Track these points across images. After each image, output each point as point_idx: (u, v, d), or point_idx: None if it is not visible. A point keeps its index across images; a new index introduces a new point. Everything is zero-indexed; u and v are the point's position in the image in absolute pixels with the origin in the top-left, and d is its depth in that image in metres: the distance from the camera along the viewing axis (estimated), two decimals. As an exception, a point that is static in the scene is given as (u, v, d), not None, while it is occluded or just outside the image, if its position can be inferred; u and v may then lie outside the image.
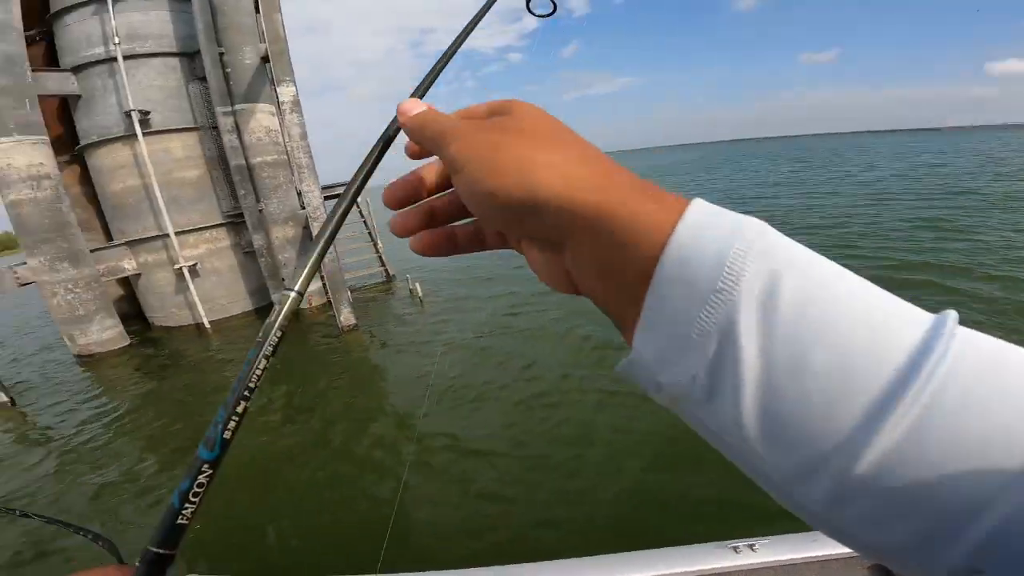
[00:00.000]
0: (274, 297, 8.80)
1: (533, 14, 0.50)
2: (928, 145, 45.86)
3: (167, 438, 4.99)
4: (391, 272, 11.22)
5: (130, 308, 9.89)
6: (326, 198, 13.32)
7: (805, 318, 0.18)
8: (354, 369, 6.19)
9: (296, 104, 7.03)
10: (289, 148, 7.23)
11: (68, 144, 8.87)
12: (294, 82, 7.03)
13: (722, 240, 0.19)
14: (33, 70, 7.52)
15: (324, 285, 7.55)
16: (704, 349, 0.19)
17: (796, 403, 0.18)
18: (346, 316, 7.34)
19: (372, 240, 11.83)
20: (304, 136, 7.05)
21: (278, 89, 6.99)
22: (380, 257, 11.47)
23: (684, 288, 0.20)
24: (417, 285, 8.79)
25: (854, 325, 0.18)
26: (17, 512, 0.93)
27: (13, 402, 6.46)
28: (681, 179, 32.27)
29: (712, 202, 0.21)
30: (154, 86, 8.34)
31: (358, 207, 12.47)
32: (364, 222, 12.09)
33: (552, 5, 0.52)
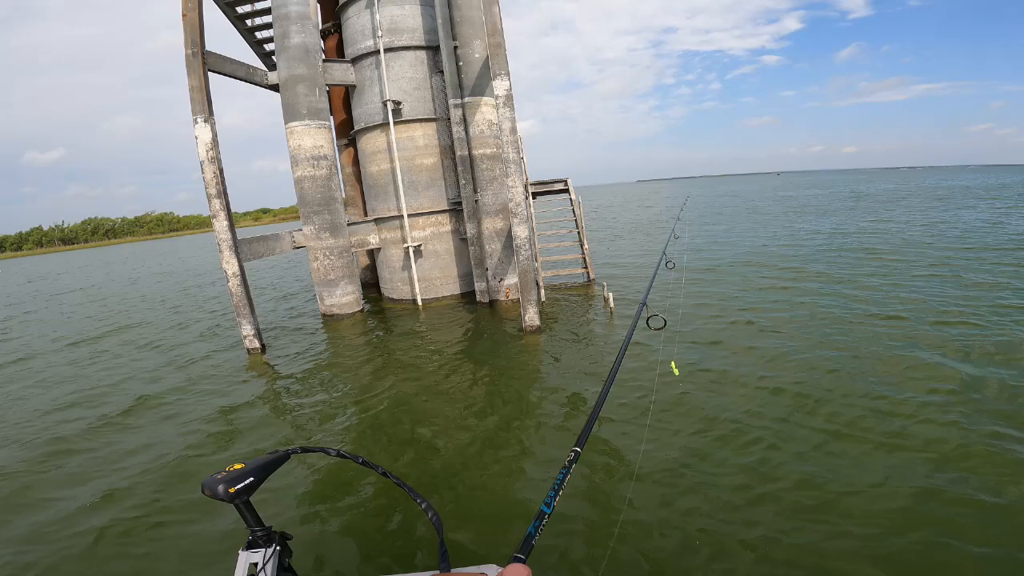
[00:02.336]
0: (477, 286, 9.23)
1: (650, 328, 1.63)
2: None
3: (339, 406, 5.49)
4: (592, 275, 10.80)
5: (372, 277, 11.63)
6: (541, 193, 13.64)
7: None
8: (526, 375, 5.91)
9: (509, 99, 7.01)
10: (499, 142, 7.28)
11: (347, 128, 10.75)
12: (508, 76, 7.01)
13: None
14: (323, 60, 9.16)
15: (487, 284, 7.54)
16: None
17: None
18: (531, 317, 7.15)
19: (579, 240, 11.59)
20: (514, 131, 7.00)
21: (493, 83, 7.05)
22: (584, 258, 11.14)
23: None
24: (610, 295, 8.14)
25: None
26: (380, 470, 1.27)
27: (263, 349, 7.91)
28: None
29: None
30: (406, 77, 9.32)
31: (572, 205, 12.34)
32: (575, 221, 11.92)
33: (663, 321, 1.78)
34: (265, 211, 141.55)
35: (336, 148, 11.58)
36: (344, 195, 11.76)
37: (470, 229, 8.97)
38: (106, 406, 6.06)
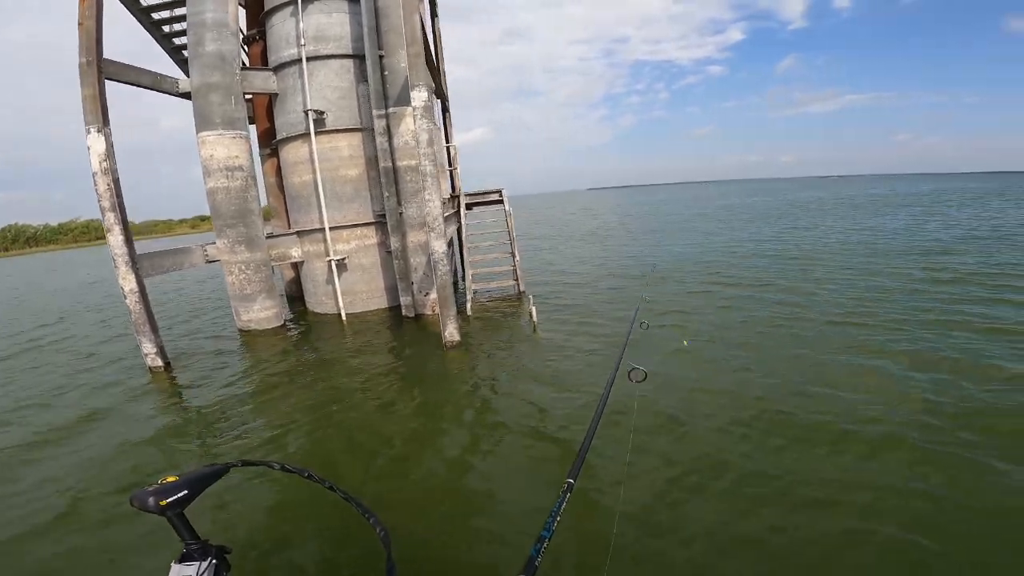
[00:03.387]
0: (403, 300, 9.11)
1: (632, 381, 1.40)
2: None
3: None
4: (522, 287, 10.89)
5: (299, 290, 11.26)
6: (476, 204, 13.66)
7: None
8: (441, 391, 5.86)
9: (427, 110, 6.99)
10: (416, 154, 7.25)
11: (271, 137, 10.40)
12: (427, 88, 7.00)
13: None
14: (242, 69, 8.81)
15: (412, 298, 7.49)
16: None
17: None
18: (451, 332, 7.12)
19: (511, 251, 11.68)
20: (431, 143, 6.98)
21: (411, 93, 7.00)
22: (515, 270, 11.23)
23: None
24: (534, 309, 8.23)
25: None
26: (326, 484, 1.21)
27: (168, 367, 7.42)
28: (967, 211, 25.63)
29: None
30: (330, 86, 9.13)
31: (506, 217, 12.43)
32: (508, 232, 12.03)
33: (644, 374, 1.47)
34: (203, 218, 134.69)
35: (259, 158, 11.19)
36: (268, 206, 11.38)
37: (394, 242, 8.85)
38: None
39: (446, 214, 10.81)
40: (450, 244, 13.08)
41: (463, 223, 11.08)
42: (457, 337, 7.17)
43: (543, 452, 4.24)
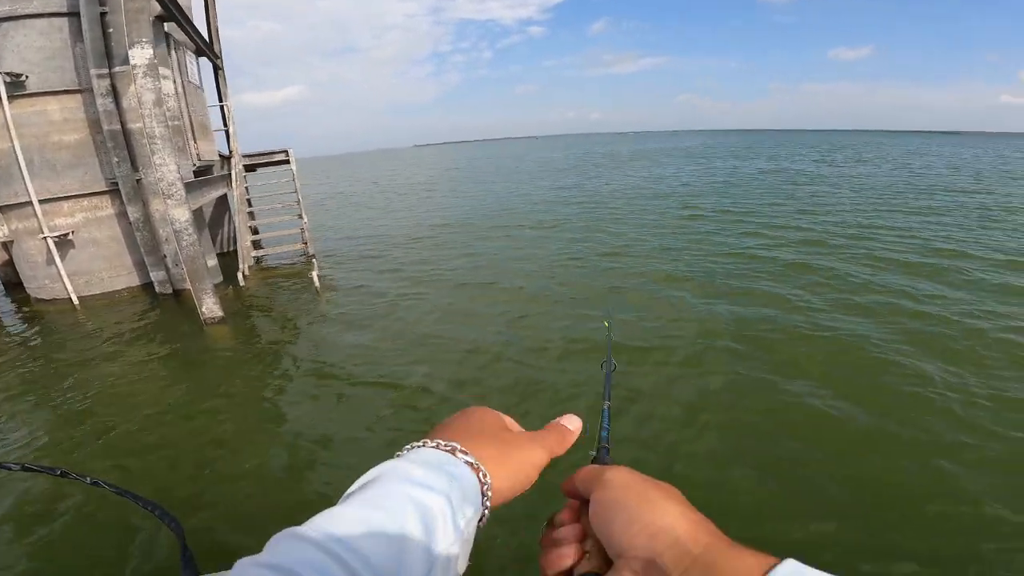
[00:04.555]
0: (154, 275, 8.10)
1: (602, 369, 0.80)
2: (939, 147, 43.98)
3: None
4: (311, 252, 10.49)
5: (15, 276, 9.20)
6: (259, 165, 12.54)
7: None
8: (199, 374, 5.49)
9: (152, 68, 6.16)
10: (141, 115, 6.37)
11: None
12: (151, 44, 6.15)
13: None
14: None
15: (167, 272, 6.84)
16: None
17: None
18: (209, 308, 6.64)
19: (299, 214, 11.07)
20: (159, 103, 6.20)
21: (130, 51, 6.11)
22: (302, 231, 10.71)
23: None
24: (314, 275, 8.07)
25: None
26: (88, 480, 1.05)
27: None
28: (724, 163, 30.79)
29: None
30: (34, 47, 7.49)
31: (293, 176, 11.67)
32: (295, 190, 11.34)
33: (614, 364, 0.80)
34: None
35: None
36: None
37: (133, 212, 7.74)
38: None
39: (213, 176, 9.74)
40: (226, 211, 11.89)
41: (236, 186, 10.12)
42: (219, 312, 6.72)
43: (305, 420, 4.37)
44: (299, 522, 0.33)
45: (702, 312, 6.00)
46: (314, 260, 9.07)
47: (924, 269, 7.29)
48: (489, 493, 0.39)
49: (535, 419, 0.54)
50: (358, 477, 0.38)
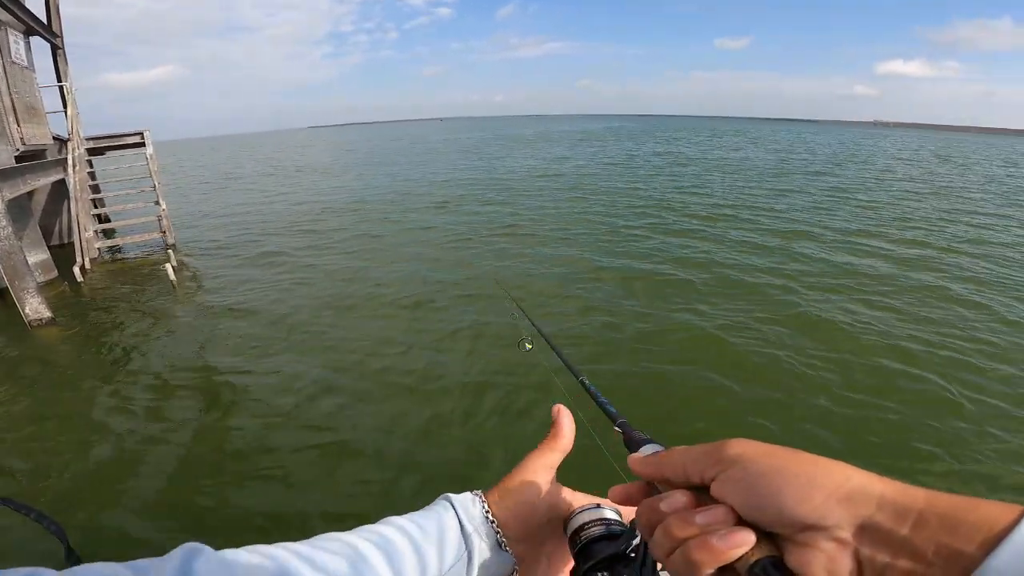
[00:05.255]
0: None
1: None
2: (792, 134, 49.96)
3: None
4: (172, 240, 9.75)
5: None
6: (110, 148, 11.36)
7: None
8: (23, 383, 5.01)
9: None
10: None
11: None
12: None
13: None
14: None
15: None
16: None
17: None
18: (34, 308, 6.06)
19: (156, 200, 10.21)
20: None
21: None
22: (160, 219, 9.91)
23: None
24: (168, 267, 7.56)
25: None
26: None
27: None
28: (620, 146, 32.19)
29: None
30: None
31: (148, 162, 10.78)
32: (151, 175, 10.42)
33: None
34: None
35: None
36: None
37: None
38: None
39: (43, 161, 8.68)
40: (65, 198, 10.64)
41: (74, 172, 9.11)
42: (46, 312, 6.14)
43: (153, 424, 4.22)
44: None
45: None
46: (171, 251, 8.49)
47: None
48: (491, 519, 0.47)
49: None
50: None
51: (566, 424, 0.51)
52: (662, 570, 0.37)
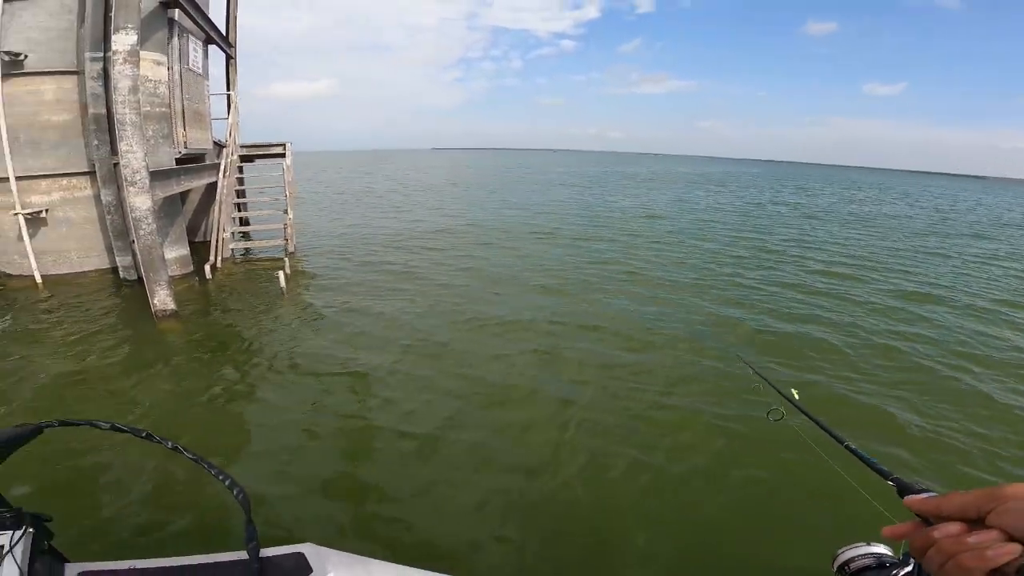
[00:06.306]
0: (120, 260, 8.09)
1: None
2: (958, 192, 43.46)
3: None
4: (291, 248, 10.45)
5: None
6: (257, 156, 12.58)
7: None
8: (129, 373, 5.39)
9: (132, 55, 6.19)
10: (114, 100, 6.37)
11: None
12: (135, 31, 6.19)
13: None
14: None
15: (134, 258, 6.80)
16: None
17: None
18: (162, 300, 6.58)
19: (285, 208, 11.06)
20: (134, 91, 6.21)
21: (114, 36, 6.16)
22: (285, 227, 10.68)
23: None
24: (280, 274, 7.97)
25: None
26: (168, 444, 1.12)
27: None
28: (745, 192, 30.66)
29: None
30: (40, 26, 7.72)
31: (284, 170, 11.69)
32: (284, 184, 11.35)
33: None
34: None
35: None
36: None
37: (106, 195, 7.76)
38: None
39: (200, 164, 9.76)
40: (213, 198, 11.90)
41: (224, 176, 10.13)
42: (171, 305, 6.64)
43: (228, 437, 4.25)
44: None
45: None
46: (286, 259, 9.01)
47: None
48: None
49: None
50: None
51: None
52: None
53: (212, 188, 11.54)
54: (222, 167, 10.29)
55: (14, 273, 8.15)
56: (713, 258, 11.10)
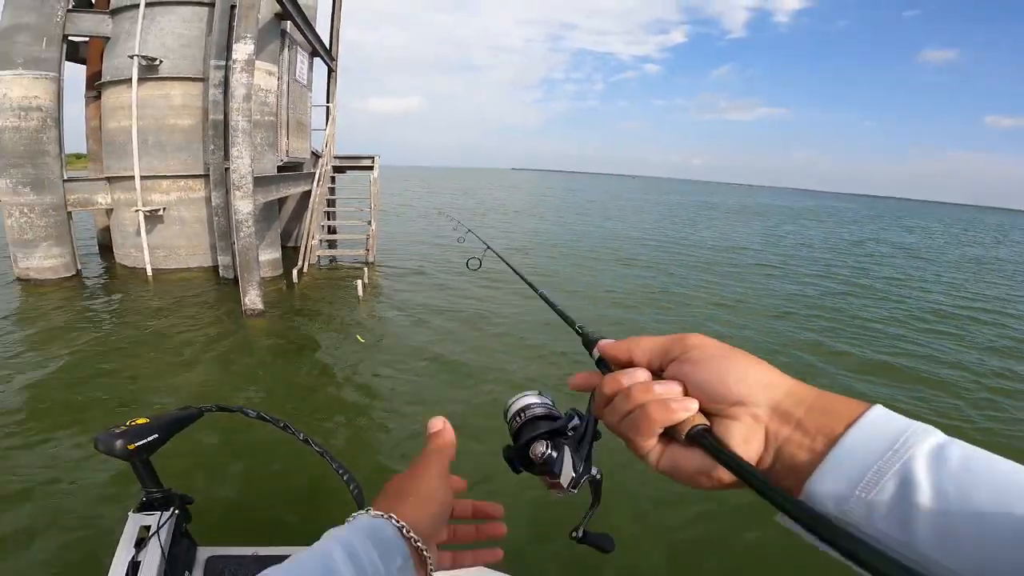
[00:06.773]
0: (221, 260, 8.60)
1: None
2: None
3: None
4: (371, 258, 10.70)
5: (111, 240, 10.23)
6: (348, 167, 13.10)
7: (970, 470, 0.29)
8: (207, 366, 5.59)
9: (249, 64, 6.58)
10: (230, 107, 6.79)
11: (98, 80, 9.30)
12: (252, 40, 6.59)
13: (903, 422, 0.33)
14: (69, 10, 8.06)
15: (232, 259, 7.15)
16: (884, 487, 0.31)
17: (966, 526, 0.28)
18: (252, 300, 6.84)
19: (369, 219, 11.39)
20: (248, 99, 6.58)
21: (235, 45, 6.57)
22: (367, 238, 10.97)
23: (872, 444, 0.32)
24: (359, 283, 8.10)
25: (1011, 474, 0.29)
26: (300, 436, 1.21)
27: None
28: (845, 229, 28.58)
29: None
30: (174, 33, 8.48)
31: (371, 182, 12.04)
32: (370, 196, 11.72)
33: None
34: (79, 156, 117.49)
35: (85, 100, 10.03)
36: (88, 151, 10.33)
37: (215, 198, 8.32)
38: None
39: (298, 173, 10.32)
40: (306, 205, 12.53)
41: (317, 185, 10.63)
42: (259, 305, 6.90)
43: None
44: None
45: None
46: (365, 269, 9.19)
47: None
48: (409, 534, 0.44)
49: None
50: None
51: (440, 435, 0.53)
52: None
53: (306, 195, 12.19)
54: (317, 176, 10.79)
55: (129, 265, 8.92)
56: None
